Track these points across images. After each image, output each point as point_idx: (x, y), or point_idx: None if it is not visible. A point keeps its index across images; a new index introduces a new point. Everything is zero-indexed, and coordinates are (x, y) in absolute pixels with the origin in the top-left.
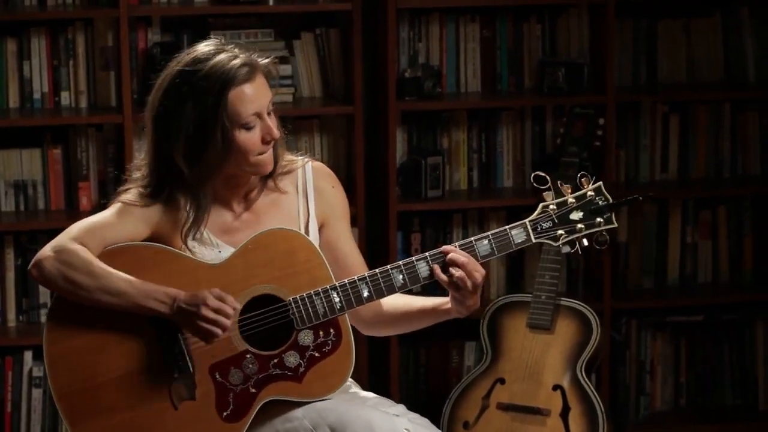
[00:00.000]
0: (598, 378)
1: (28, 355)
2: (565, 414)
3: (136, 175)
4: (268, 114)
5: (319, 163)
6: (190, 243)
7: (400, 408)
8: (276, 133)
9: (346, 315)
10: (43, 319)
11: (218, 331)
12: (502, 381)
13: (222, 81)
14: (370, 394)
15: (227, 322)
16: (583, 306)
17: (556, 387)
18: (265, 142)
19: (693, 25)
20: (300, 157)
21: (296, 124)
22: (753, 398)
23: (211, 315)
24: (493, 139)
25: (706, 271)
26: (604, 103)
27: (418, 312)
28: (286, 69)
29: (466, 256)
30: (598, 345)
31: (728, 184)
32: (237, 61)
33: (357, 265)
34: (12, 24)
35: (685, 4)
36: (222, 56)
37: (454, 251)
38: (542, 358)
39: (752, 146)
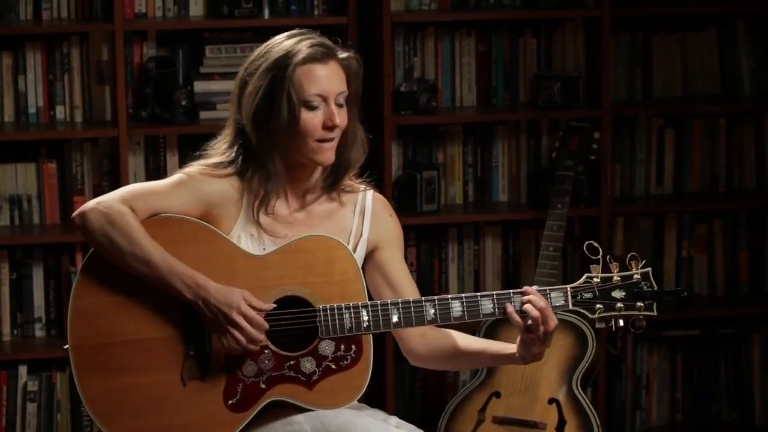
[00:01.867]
0: (594, 392)
1: (22, 370)
2: (560, 428)
3: (214, 149)
4: (339, 106)
5: (380, 195)
6: (247, 229)
7: (394, 420)
8: (338, 121)
9: (371, 336)
10: (38, 333)
11: (243, 340)
12: (497, 394)
13: (294, 54)
14: (363, 406)
15: (259, 336)
16: (579, 320)
17: (551, 401)
18: (326, 127)
19: (688, 39)
20: (363, 184)
21: None
22: (749, 412)
23: (243, 323)
24: (488, 153)
25: (701, 285)
26: (600, 116)
27: (477, 353)
28: None
29: (545, 302)
30: (593, 359)
31: (724, 198)
32: (313, 41)
33: (408, 293)
34: (7, 38)
35: (681, 19)
36: (302, 36)
37: (535, 294)
38: (538, 371)
39: (747, 160)
